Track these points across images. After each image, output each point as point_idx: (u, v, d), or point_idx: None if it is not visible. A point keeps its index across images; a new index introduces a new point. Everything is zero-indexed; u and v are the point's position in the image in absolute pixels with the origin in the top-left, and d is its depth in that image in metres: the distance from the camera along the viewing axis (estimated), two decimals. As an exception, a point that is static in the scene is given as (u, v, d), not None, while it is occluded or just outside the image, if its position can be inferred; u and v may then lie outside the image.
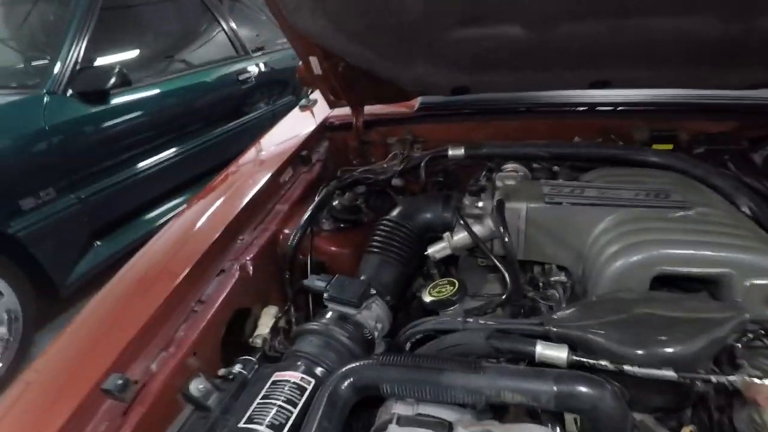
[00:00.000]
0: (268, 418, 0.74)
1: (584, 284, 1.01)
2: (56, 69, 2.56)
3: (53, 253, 2.48)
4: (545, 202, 1.06)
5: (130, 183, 2.88)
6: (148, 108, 3.02)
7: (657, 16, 1.14)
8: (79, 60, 2.64)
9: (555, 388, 0.68)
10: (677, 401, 0.78)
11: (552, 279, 1.05)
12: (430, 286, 1.01)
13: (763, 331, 0.77)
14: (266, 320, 1.08)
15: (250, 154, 1.61)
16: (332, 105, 1.69)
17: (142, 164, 2.97)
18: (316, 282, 1.03)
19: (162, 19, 3.54)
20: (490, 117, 1.65)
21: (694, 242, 0.90)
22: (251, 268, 1.09)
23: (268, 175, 1.36)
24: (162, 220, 3.03)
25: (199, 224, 1.17)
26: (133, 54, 3.17)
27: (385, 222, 1.23)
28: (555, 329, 0.79)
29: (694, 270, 0.87)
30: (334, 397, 0.75)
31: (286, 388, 0.80)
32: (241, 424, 0.74)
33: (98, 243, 2.74)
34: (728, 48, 1.19)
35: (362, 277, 1.11)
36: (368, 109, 1.71)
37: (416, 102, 1.75)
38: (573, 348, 0.76)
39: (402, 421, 0.72)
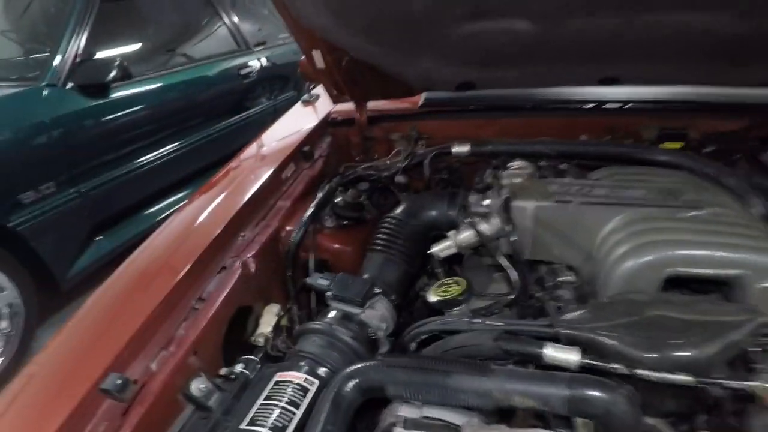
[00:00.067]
0: (270, 420, 0.72)
1: (593, 284, 0.99)
2: (56, 61, 2.53)
3: (54, 247, 2.47)
4: (553, 200, 1.04)
5: (131, 177, 2.86)
6: (149, 102, 2.99)
7: (669, 11, 1.12)
8: (79, 52, 2.61)
9: (567, 392, 0.66)
10: (690, 406, 0.76)
11: (560, 279, 1.03)
12: (436, 285, 0.99)
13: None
14: (268, 318, 1.06)
15: (252, 149, 1.58)
16: (335, 100, 1.67)
17: (142, 158, 2.94)
18: (318, 280, 1.02)
19: (163, 12, 3.50)
20: (496, 114, 1.62)
21: (706, 243, 0.88)
22: (253, 265, 1.07)
23: (270, 171, 1.34)
24: (163, 215, 3.01)
25: (200, 220, 1.15)
26: (133, 47, 3.13)
27: (388, 219, 1.22)
28: (565, 331, 0.77)
29: (707, 271, 0.85)
30: (339, 398, 0.73)
31: (289, 389, 0.78)
32: (242, 426, 0.72)
33: (99, 237, 2.72)
34: (742, 44, 1.17)
35: (366, 276, 1.09)
36: (372, 104, 1.69)
37: (420, 98, 1.72)
38: (583, 350, 0.74)
39: (408, 424, 0.70)
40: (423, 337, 0.89)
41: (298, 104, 1.90)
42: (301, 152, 1.51)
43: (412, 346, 0.92)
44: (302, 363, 0.84)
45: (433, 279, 1.23)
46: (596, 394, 0.66)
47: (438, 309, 0.97)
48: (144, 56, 3.17)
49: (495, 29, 1.26)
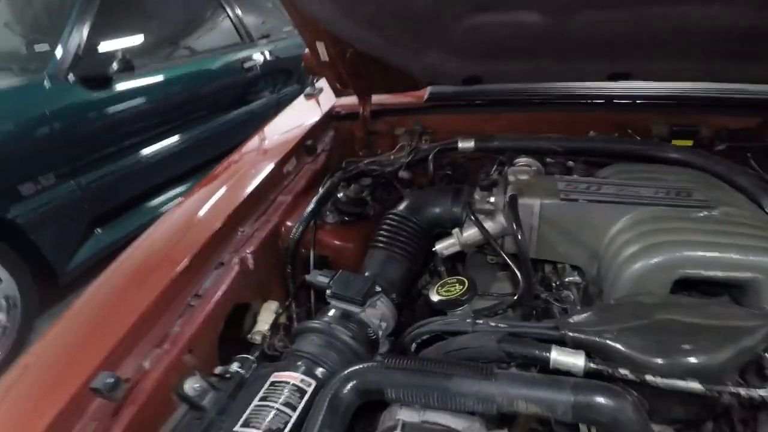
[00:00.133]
0: (265, 422, 0.70)
1: (599, 285, 0.96)
2: (58, 53, 2.52)
3: (53, 239, 2.46)
4: (560, 198, 1.02)
5: (132, 170, 2.85)
6: (152, 95, 2.98)
7: (683, 5, 1.08)
8: (82, 45, 2.59)
9: (572, 398, 0.63)
10: (699, 413, 0.73)
11: (566, 279, 1.00)
12: (438, 284, 0.96)
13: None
14: (266, 316, 1.04)
15: (253, 143, 1.56)
16: (338, 93, 1.64)
17: (144, 152, 2.93)
18: (318, 277, 0.99)
19: (166, 5, 3.47)
20: (502, 109, 1.59)
21: (718, 244, 0.85)
22: (252, 261, 1.05)
23: (271, 165, 1.32)
24: (164, 209, 3.00)
25: (198, 215, 1.12)
26: (136, 40, 3.11)
27: (391, 216, 1.19)
28: (571, 334, 0.74)
29: (719, 274, 0.82)
30: (336, 401, 0.71)
31: (285, 389, 0.76)
32: (237, 428, 0.70)
33: (99, 230, 2.72)
34: (755, 39, 1.13)
35: (367, 273, 1.07)
36: (376, 98, 1.66)
37: (425, 92, 1.69)
38: (589, 355, 0.71)
39: (407, 428, 0.68)
40: (424, 337, 0.87)
41: (301, 97, 1.87)
42: (303, 146, 1.48)
43: (413, 346, 0.90)
44: (299, 363, 0.81)
45: (436, 277, 1.20)
46: (602, 400, 0.63)
47: (440, 309, 0.94)
48: (147, 49, 3.15)
49: (502, 22, 1.23)
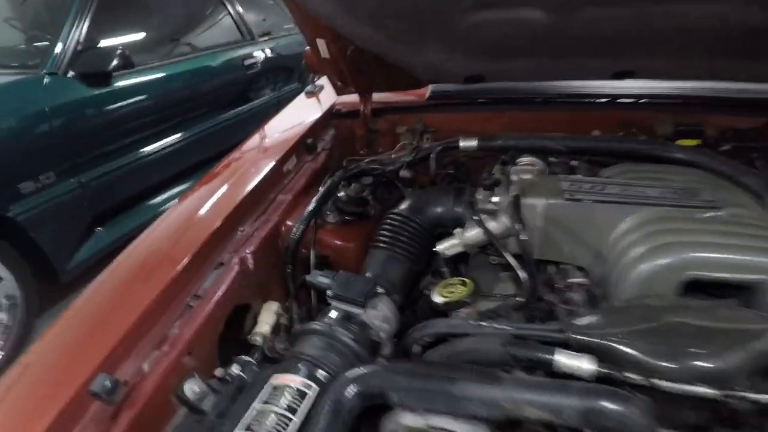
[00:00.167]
0: (266, 426, 0.69)
1: (604, 287, 0.95)
2: (57, 49, 2.49)
3: (54, 238, 2.44)
4: (565, 198, 1.00)
5: (133, 168, 2.82)
6: (152, 91, 2.95)
7: (688, 2, 1.07)
8: (81, 40, 2.57)
9: (580, 404, 0.62)
10: (708, 419, 0.72)
11: (570, 281, 0.99)
12: (441, 285, 0.95)
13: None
14: (266, 316, 1.02)
15: (253, 141, 1.54)
16: (339, 91, 1.63)
17: (144, 149, 2.91)
18: (319, 278, 0.98)
19: (167, 1, 3.45)
20: (505, 107, 1.58)
21: (727, 245, 0.84)
22: (251, 261, 1.03)
23: (271, 164, 1.30)
24: (164, 207, 2.98)
25: (197, 214, 1.11)
26: (137, 36, 3.09)
27: (392, 215, 1.18)
28: (576, 336, 0.73)
29: (729, 276, 0.81)
30: (338, 405, 0.70)
31: (286, 393, 0.74)
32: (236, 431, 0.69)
33: (99, 229, 2.70)
34: (760, 37, 1.12)
35: (368, 274, 1.06)
36: (377, 96, 1.64)
37: (427, 90, 1.67)
38: (597, 358, 0.70)
39: (410, 433, 0.67)
40: (427, 339, 0.86)
41: (302, 95, 1.86)
42: (303, 144, 1.47)
43: (416, 348, 0.88)
44: (300, 365, 0.80)
45: (438, 277, 1.19)
46: (610, 405, 0.62)
47: (443, 310, 0.93)
48: (147, 45, 3.13)
49: (505, 19, 1.21)
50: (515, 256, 0.99)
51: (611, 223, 0.96)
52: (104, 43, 2.74)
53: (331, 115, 1.67)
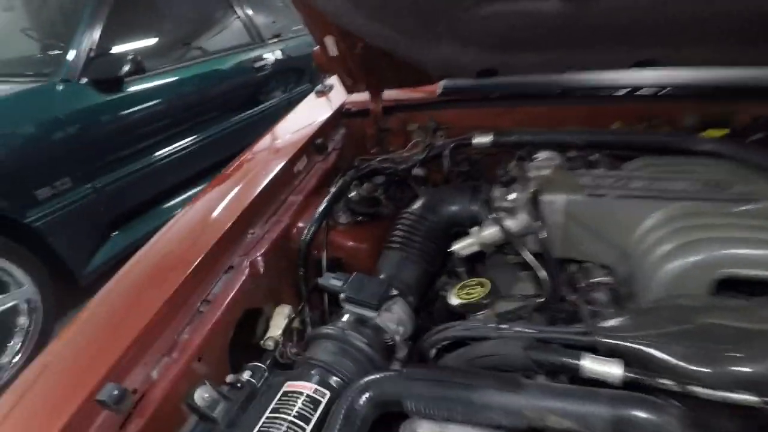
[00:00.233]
0: (277, 436, 0.66)
1: (629, 286, 0.91)
2: (70, 56, 2.52)
3: (70, 243, 2.47)
4: (586, 194, 0.96)
5: (146, 172, 2.85)
6: (164, 96, 2.98)
7: None
8: (93, 47, 2.60)
9: (610, 412, 0.58)
10: (747, 427, 0.67)
11: (593, 280, 0.94)
12: (458, 286, 0.91)
13: None
14: (278, 320, 1.00)
15: (263, 142, 1.53)
16: (349, 90, 1.60)
17: (158, 153, 2.93)
18: (331, 280, 0.95)
19: (177, 6, 3.47)
20: (519, 102, 1.53)
21: (764, 241, 0.78)
22: (262, 264, 1.01)
23: (281, 165, 1.28)
24: (178, 210, 2.98)
25: (206, 217, 1.09)
26: (148, 41, 3.11)
27: (406, 215, 1.14)
28: (604, 340, 0.69)
29: (765, 273, 0.76)
30: (352, 413, 0.67)
31: (299, 401, 0.72)
32: (248, 442, 0.67)
33: (116, 233, 2.73)
34: None
35: (382, 276, 1.02)
36: (387, 94, 1.61)
37: (438, 86, 1.64)
38: (626, 363, 0.66)
39: (428, 443, 0.64)
40: (444, 343, 0.82)
41: (312, 95, 1.83)
42: (313, 145, 1.44)
43: (432, 352, 0.85)
44: (313, 372, 0.77)
45: (454, 278, 1.15)
46: (644, 415, 0.57)
47: (460, 312, 0.89)
48: (158, 50, 3.15)
49: (518, 10, 1.17)
50: (534, 255, 0.95)
51: (636, 219, 0.92)
52: (116, 49, 2.76)
53: (341, 115, 1.65)
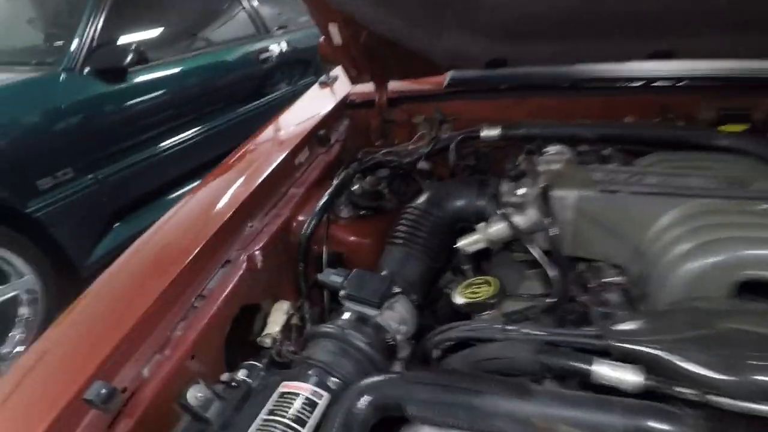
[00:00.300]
0: (272, 440, 0.63)
1: (642, 287, 0.86)
2: (73, 46, 2.50)
3: (72, 233, 2.46)
4: (598, 190, 0.92)
5: (150, 163, 2.83)
6: (168, 87, 2.95)
7: None
8: (96, 37, 2.57)
9: (623, 422, 0.54)
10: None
11: (605, 280, 0.90)
12: (463, 285, 0.88)
13: None
14: (277, 317, 0.97)
15: (265, 133, 1.49)
16: (354, 81, 1.56)
17: (161, 144, 2.91)
18: (331, 276, 0.92)
19: (182, -4, 3.44)
20: (529, 93, 1.48)
21: (788, 241, 0.74)
22: (261, 258, 0.98)
23: (282, 156, 1.24)
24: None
25: (204, 209, 1.06)
26: (152, 32, 3.08)
27: (410, 209, 1.11)
28: (618, 344, 0.65)
29: (790, 276, 0.72)
30: (350, 416, 0.64)
31: (295, 402, 0.68)
32: (241, 445, 0.64)
33: (118, 224, 2.71)
34: None
35: (384, 272, 0.99)
36: (392, 85, 1.57)
37: (445, 77, 1.59)
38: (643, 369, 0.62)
39: (429, 451, 0.60)
40: (448, 344, 0.79)
41: (315, 86, 1.80)
42: (316, 136, 1.41)
43: (435, 353, 0.81)
44: (310, 372, 0.74)
45: (459, 275, 1.12)
46: (660, 426, 0.54)
47: (465, 312, 0.86)
48: (163, 41, 3.12)
49: None
50: (544, 252, 0.91)
51: (651, 217, 0.87)
52: (120, 39, 2.73)
53: (345, 106, 1.61)
